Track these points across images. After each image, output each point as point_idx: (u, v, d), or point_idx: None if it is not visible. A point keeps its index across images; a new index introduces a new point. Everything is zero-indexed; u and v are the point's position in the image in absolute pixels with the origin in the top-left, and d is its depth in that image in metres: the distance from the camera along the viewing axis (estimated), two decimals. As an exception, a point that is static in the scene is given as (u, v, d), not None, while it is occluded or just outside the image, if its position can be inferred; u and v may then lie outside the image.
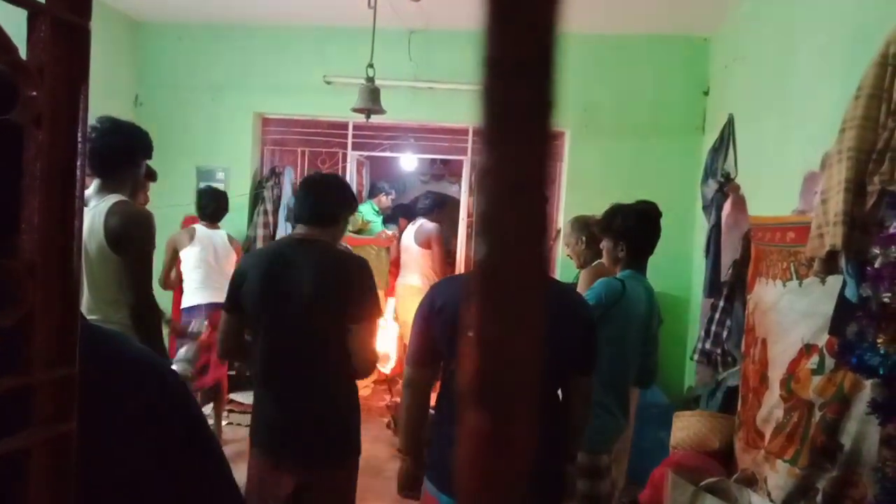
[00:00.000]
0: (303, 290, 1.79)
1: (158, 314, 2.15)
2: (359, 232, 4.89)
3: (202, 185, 4.12)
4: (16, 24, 0.41)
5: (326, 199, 1.92)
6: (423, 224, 4.90)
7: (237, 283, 1.87)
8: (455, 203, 6.11)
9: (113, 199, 2.05)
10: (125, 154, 2.11)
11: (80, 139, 0.40)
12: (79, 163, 0.40)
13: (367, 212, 5.04)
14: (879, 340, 1.35)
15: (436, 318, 1.57)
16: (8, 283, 0.35)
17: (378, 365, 2.01)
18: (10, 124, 0.37)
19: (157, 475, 0.62)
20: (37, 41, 0.37)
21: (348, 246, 3.86)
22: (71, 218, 0.39)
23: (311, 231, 1.89)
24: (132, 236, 2.02)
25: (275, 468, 1.82)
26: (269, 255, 1.90)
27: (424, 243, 4.83)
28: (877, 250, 1.37)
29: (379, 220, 5.12)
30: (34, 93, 0.37)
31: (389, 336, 4.96)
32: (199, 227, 3.62)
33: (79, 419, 0.38)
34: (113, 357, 0.63)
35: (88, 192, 2.09)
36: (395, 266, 5.27)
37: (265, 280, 1.82)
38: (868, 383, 1.70)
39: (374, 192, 5.27)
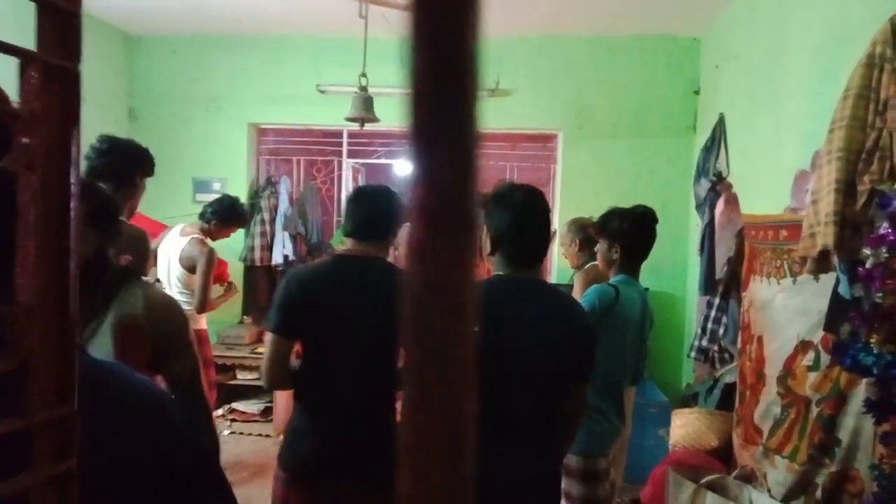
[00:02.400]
0: (373, 312, 1.70)
1: None
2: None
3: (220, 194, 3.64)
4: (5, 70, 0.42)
5: (378, 212, 1.83)
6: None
7: (290, 304, 1.73)
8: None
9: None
10: (123, 174, 2.12)
11: (73, 181, 0.41)
12: (72, 204, 0.41)
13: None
14: (872, 340, 1.36)
15: None
16: (6, 327, 0.35)
17: None
18: (4, 170, 0.37)
19: None
20: (29, 89, 0.38)
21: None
22: (66, 259, 0.39)
23: (364, 247, 1.81)
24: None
25: (335, 495, 1.72)
26: (325, 273, 1.81)
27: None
28: (867, 251, 1.38)
29: None
30: (27, 140, 0.38)
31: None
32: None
33: (81, 455, 0.38)
34: (114, 392, 0.63)
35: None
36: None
37: (329, 301, 1.73)
38: (863, 381, 1.71)
39: None
